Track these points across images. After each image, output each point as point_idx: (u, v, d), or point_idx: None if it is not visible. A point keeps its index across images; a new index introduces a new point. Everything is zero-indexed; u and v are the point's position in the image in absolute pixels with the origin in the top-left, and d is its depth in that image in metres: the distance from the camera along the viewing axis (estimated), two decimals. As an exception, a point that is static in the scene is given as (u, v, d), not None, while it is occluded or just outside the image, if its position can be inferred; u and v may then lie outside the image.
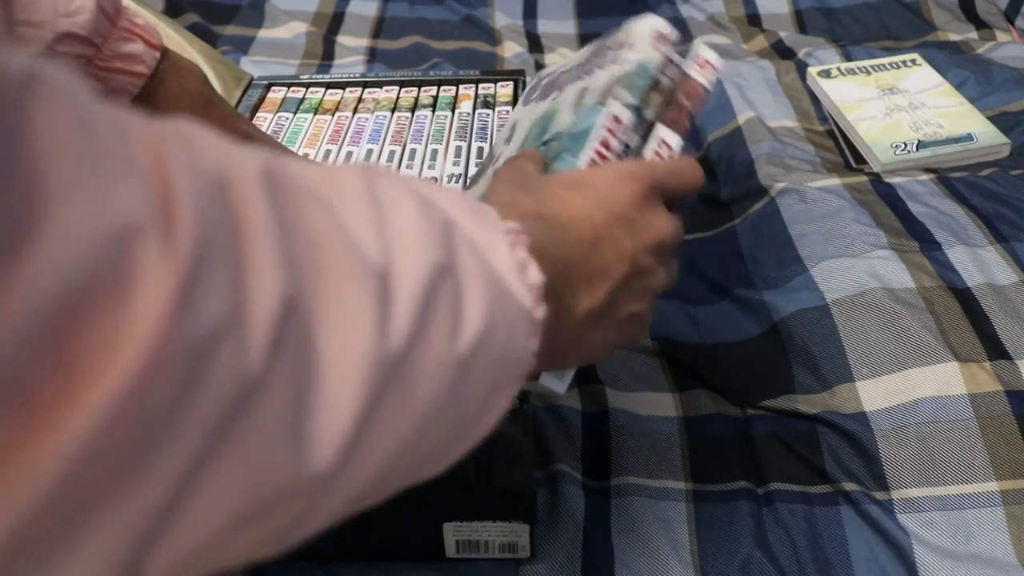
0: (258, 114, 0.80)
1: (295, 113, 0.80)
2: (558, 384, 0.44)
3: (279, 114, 0.80)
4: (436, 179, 0.70)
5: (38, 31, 0.52)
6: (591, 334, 0.38)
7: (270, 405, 0.22)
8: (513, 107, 0.78)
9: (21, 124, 0.18)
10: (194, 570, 0.23)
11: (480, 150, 0.73)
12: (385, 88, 0.84)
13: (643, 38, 0.51)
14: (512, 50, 1.19)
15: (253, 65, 1.13)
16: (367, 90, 0.84)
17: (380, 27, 1.26)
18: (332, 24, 1.26)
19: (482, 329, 0.28)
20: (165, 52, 0.60)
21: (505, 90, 0.81)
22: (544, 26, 1.26)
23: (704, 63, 0.51)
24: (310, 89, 0.84)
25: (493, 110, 0.78)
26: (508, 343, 0.30)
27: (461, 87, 0.82)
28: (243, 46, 1.20)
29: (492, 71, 0.84)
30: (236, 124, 0.65)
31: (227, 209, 0.22)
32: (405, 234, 0.27)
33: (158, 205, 0.20)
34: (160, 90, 0.59)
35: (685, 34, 1.21)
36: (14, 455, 0.18)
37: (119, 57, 0.57)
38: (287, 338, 0.22)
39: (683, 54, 0.52)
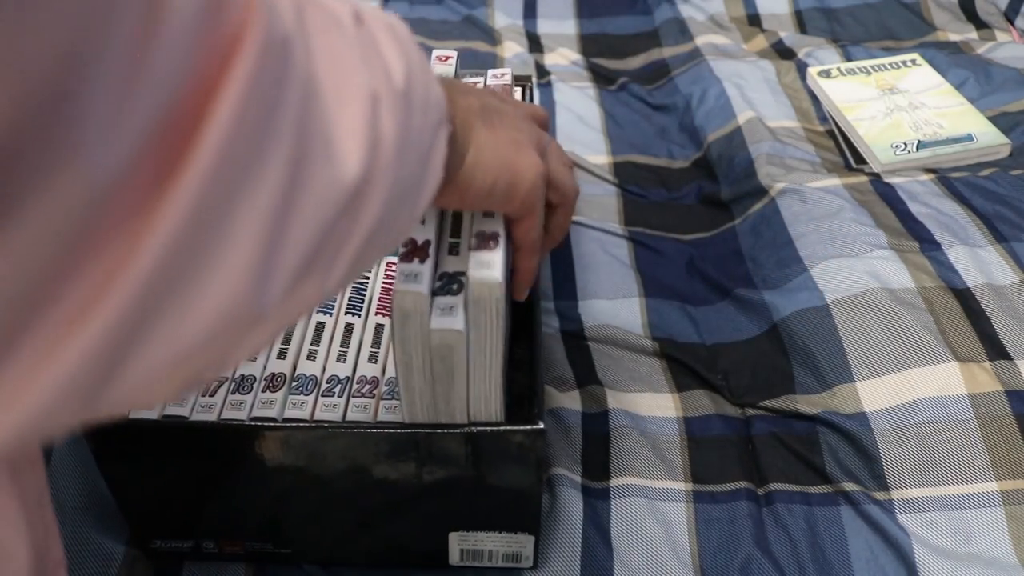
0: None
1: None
2: (451, 320, 0.45)
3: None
4: None
5: None
6: (476, 124, 0.43)
7: (319, 110, 0.27)
8: None
9: None
10: (308, 277, 0.27)
11: None
12: None
13: None
14: (512, 50, 1.19)
15: (253, 66, 1.13)
16: None
17: (380, 27, 1.25)
18: (332, 24, 1.26)
19: (407, 72, 0.33)
20: None
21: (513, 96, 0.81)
22: (544, 26, 1.26)
23: None
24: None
25: None
26: (427, 88, 0.36)
27: None
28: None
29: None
30: None
31: None
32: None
33: None
34: None
35: (685, 34, 1.21)
36: (184, 140, 0.22)
37: None
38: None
39: None
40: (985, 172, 0.93)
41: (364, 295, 0.63)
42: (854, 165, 0.95)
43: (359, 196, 0.29)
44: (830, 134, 1.01)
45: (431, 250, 0.47)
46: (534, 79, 0.87)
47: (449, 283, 0.47)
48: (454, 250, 0.49)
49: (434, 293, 0.46)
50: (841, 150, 0.98)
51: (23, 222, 0.19)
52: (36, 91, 0.18)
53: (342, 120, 0.28)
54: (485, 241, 0.47)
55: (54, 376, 0.21)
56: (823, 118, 1.04)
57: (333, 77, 0.28)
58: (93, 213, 0.20)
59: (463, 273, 0.47)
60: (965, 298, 0.75)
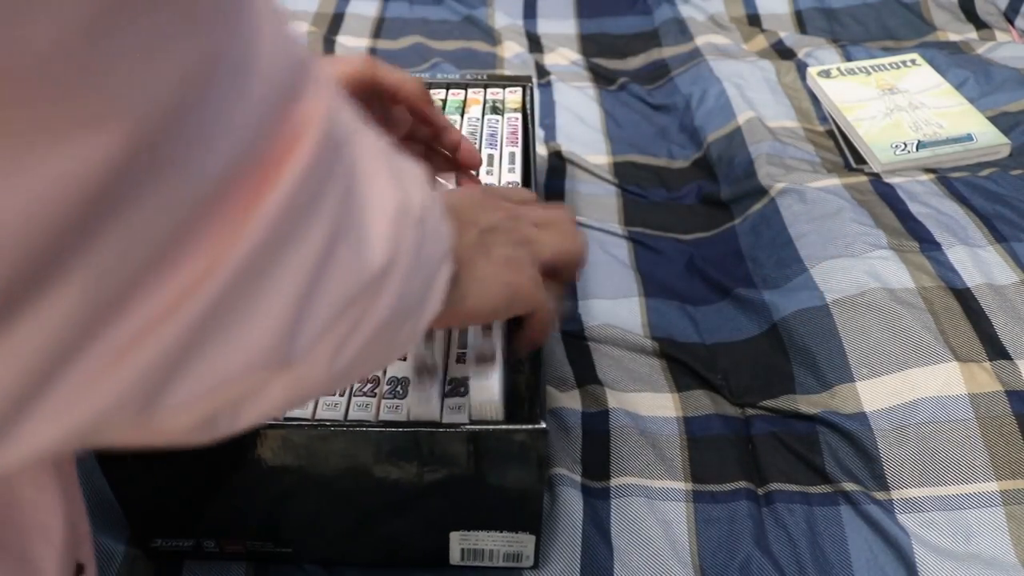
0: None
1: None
2: (426, 406, 0.53)
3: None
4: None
5: None
6: (478, 259, 0.46)
7: (357, 204, 0.31)
8: (521, 114, 0.78)
9: None
10: (332, 338, 0.31)
11: (490, 157, 0.73)
12: None
13: None
14: (512, 50, 1.19)
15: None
16: None
17: (380, 27, 1.26)
18: (332, 24, 1.26)
19: (423, 203, 0.37)
20: None
21: (514, 96, 0.80)
22: (544, 26, 1.26)
23: None
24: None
25: (503, 116, 0.78)
26: (439, 223, 0.40)
27: (470, 91, 0.82)
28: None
29: (499, 76, 0.84)
30: None
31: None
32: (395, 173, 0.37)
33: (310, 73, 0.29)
34: None
35: (685, 34, 1.21)
36: (252, 199, 0.25)
37: None
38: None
39: None
40: (985, 172, 0.93)
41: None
42: (854, 165, 0.95)
43: (379, 282, 0.33)
44: (830, 134, 1.01)
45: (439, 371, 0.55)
46: (534, 79, 0.87)
47: (457, 387, 0.54)
48: (461, 359, 0.56)
49: (444, 396, 0.54)
50: (841, 150, 0.98)
51: (110, 239, 0.21)
52: (153, 118, 0.21)
53: (374, 218, 0.32)
54: (485, 360, 0.54)
55: (114, 386, 0.24)
56: (823, 118, 1.04)
57: (370, 183, 0.33)
58: (170, 240, 0.23)
59: (468, 379, 0.54)
60: (965, 298, 0.75)
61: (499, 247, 0.48)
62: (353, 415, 0.54)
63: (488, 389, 0.53)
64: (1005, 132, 0.97)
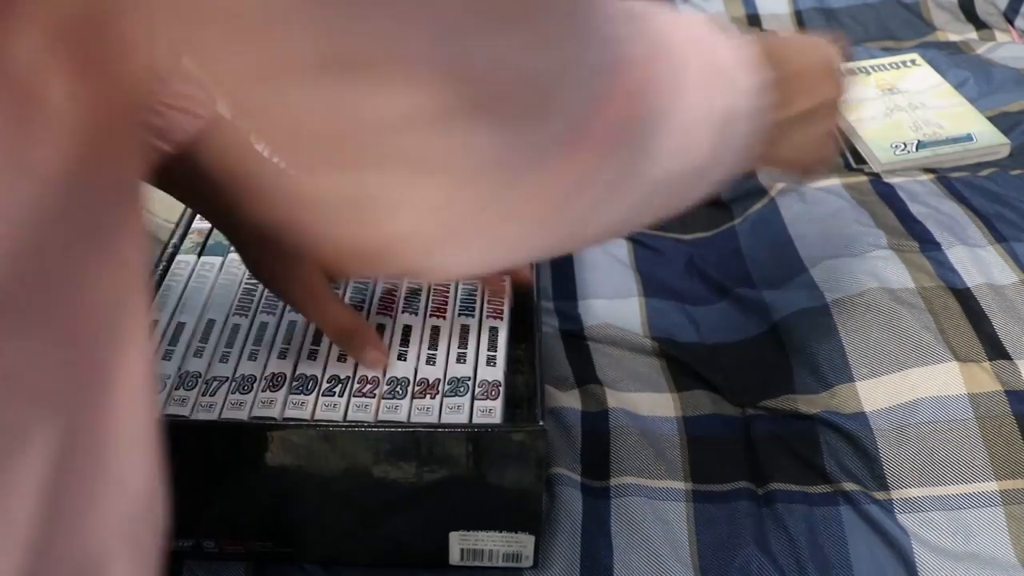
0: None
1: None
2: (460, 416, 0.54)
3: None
4: None
5: None
6: (797, 132, 0.50)
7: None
8: None
9: None
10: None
11: None
12: None
13: None
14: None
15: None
16: None
17: (380, 27, 1.26)
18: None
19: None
20: None
21: None
22: (544, 26, 1.26)
23: None
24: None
25: None
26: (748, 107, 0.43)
27: None
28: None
29: None
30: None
31: None
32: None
33: None
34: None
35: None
36: None
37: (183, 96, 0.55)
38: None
39: None
40: (985, 172, 0.93)
41: (365, 294, 0.63)
42: (854, 165, 0.95)
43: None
44: (830, 134, 1.01)
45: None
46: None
47: (456, 387, 0.56)
48: (461, 359, 0.59)
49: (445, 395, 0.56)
50: (841, 150, 0.98)
51: None
52: None
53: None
54: (487, 390, 0.56)
55: None
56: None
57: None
58: None
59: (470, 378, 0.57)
60: (965, 298, 0.75)
61: (824, 122, 0.53)
62: (352, 416, 0.54)
63: (491, 412, 0.55)
64: (1005, 132, 0.97)
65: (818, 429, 0.68)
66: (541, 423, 0.53)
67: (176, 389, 0.56)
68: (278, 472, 0.54)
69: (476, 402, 0.55)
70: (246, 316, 0.61)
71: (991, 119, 0.99)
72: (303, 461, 0.54)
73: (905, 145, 0.96)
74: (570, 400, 0.71)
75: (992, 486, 0.63)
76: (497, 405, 0.55)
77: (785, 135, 0.49)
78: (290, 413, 0.54)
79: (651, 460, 0.67)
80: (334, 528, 0.59)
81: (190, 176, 0.54)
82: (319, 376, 0.56)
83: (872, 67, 1.08)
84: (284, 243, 0.54)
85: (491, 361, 0.58)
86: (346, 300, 0.62)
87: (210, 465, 0.55)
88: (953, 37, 1.20)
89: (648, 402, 0.71)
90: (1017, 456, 0.65)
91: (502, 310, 0.62)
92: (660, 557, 0.61)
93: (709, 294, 0.82)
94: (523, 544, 0.58)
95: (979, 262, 0.79)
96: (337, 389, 0.56)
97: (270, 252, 0.56)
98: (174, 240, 0.68)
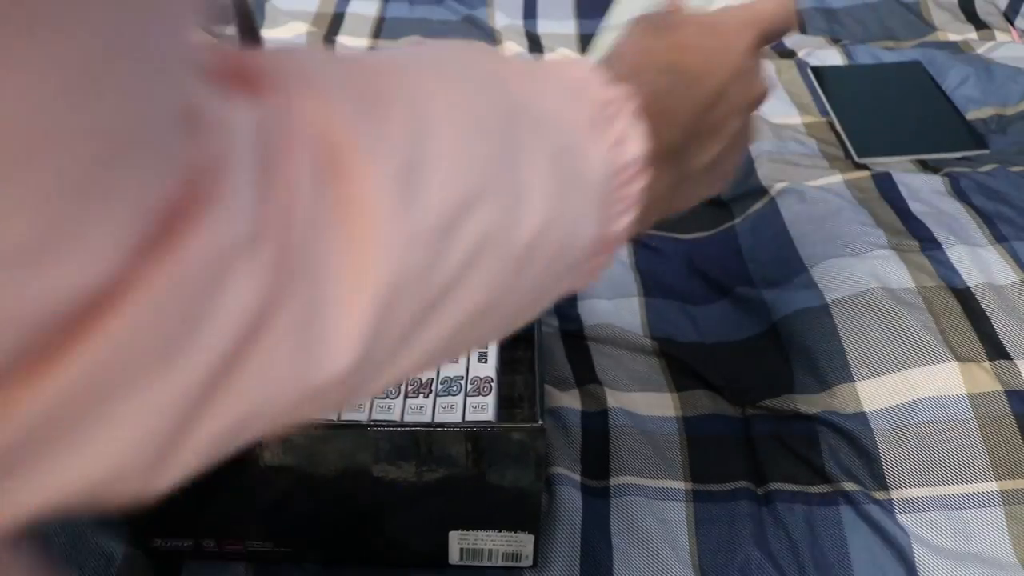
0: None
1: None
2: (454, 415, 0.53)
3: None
4: None
5: None
6: (689, 189, 0.40)
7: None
8: None
9: None
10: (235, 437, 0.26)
11: None
12: None
13: None
14: (512, 50, 1.19)
15: (253, 65, 1.13)
16: None
17: (380, 27, 1.26)
18: (332, 24, 1.26)
19: (540, 226, 0.28)
20: None
21: None
22: (544, 26, 1.26)
23: None
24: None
25: None
26: (573, 232, 0.30)
27: None
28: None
29: None
30: None
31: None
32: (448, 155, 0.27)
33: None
34: None
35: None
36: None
37: None
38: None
39: None
40: (986, 168, 0.93)
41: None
42: (856, 158, 0.95)
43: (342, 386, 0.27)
44: (830, 126, 1.01)
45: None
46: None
47: (449, 387, 0.56)
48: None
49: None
50: (842, 141, 0.98)
51: None
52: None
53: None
54: (478, 387, 0.56)
55: None
56: (823, 111, 1.04)
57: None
58: None
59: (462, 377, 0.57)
60: (965, 298, 0.75)
61: (728, 159, 0.40)
62: (346, 415, 0.54)
63: (484, 408, 0.54)
64: (1004, 131, 0.97)
65: (818, 429, 0.68)
66: (540, 422, 0.53)
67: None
68: (278, 471, 0.54)
69: (468, 398, 0.55)
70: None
71: (991, 118, 0.99)
72: (303, 461, 0.54)
73: None
74: (570, 400, 0.71)
75: (992, 486, 0.63)
76: (489, 401, 0.55)
77: (681, 188, 0.39)
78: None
79: (651, 460, 0.67)
80: (333, 527, 0.59)
81: None
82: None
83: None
84: None
85: (482, 358, 0.58)
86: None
87: (209, 465, 0.55)
88: (953, 37, 1.20)
89: (648, 402, 0.71)
90: (1017, 456, 0.65)
91: None
92: (660, 557, 0.61)
93: (709, 294, 0.82)
94: (523, 543, 0.58)
95: (979, 262, 0.79)
96: (337, 389, 0.56)
97: None
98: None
